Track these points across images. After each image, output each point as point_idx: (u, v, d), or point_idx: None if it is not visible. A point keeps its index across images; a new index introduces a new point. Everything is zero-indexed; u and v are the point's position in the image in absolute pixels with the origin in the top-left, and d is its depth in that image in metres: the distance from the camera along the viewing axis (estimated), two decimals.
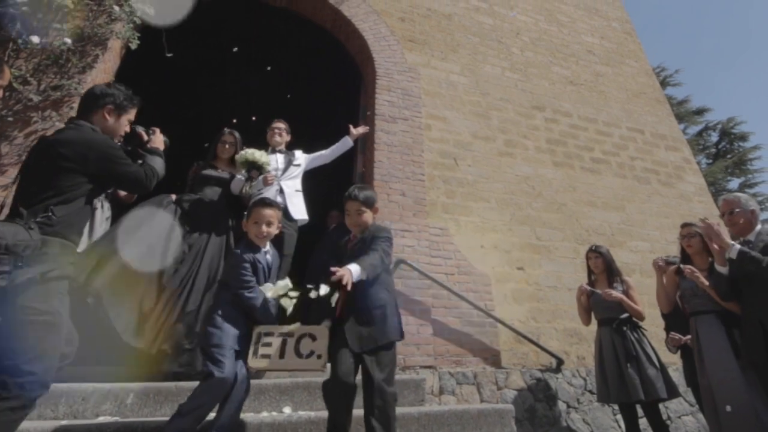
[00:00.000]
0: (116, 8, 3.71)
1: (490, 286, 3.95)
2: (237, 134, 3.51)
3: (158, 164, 1.98)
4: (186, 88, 6.74)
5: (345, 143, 3.69)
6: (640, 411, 3.23)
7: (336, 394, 1.89)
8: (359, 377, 1.95)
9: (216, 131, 3.61)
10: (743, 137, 13.97)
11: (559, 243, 4.44)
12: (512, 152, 4.84)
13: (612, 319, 3.26)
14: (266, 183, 3.23)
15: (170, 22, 4.15)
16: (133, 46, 3.81)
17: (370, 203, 2.23)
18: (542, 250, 4.34)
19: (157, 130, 2.14)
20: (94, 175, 1.71)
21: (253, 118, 4.78)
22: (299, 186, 3.51)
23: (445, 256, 3.93)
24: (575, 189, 4.87)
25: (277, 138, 3.61)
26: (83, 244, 2.74)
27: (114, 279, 2.55)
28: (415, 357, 3.40)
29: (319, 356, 1.84)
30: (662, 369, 3.10)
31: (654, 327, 3.77)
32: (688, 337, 3.03)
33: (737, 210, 2.69)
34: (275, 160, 3.45)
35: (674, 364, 3.73)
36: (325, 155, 3.70)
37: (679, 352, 3.38)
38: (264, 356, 1.88)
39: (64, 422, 2.08)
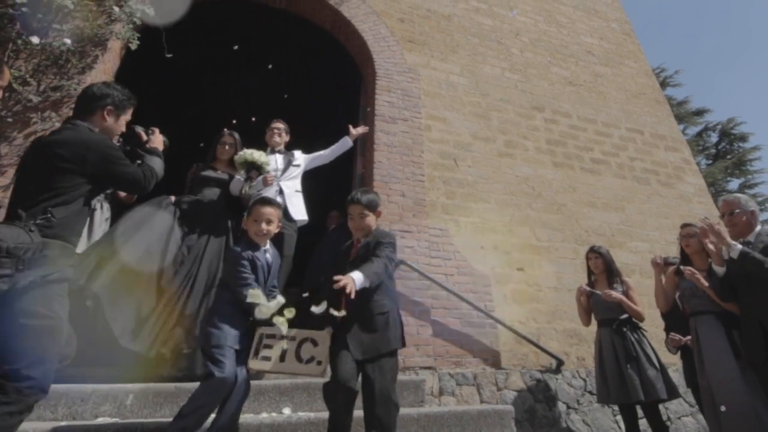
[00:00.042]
0: (116, 9, 3.71)
1: (490, 286, 3.95)
2: (236, 135, 3.50)
3: (157, 165, 1.96)
4: (186, 89, 6.74)
5: (344, 143, 3.69)
6: (640, 412, 3.23)
7: (337, 398, 1.88)
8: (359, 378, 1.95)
9: (215, 131, 3.61)
10: (743, 138, 13.98)
11: (559, 244, 4.44)
12: (512, 153, 4.84)
13: (612, 320, 3.26)
14: (266, 183, 3.23)
15: (169, 22, 4.15)
16: (133, 46, 3.81)
17: (373, 207, 2.22)
18: (542, 251, 4.34)
19: (157, 131, 2.13)
20: (92, 175, 1.69)
21: (253, 119, 4.78)
22: (299, 186, 3.51)
23: (445, 256, 3.93)
24: (575, 190, 4.87)
25: (277, 138, 3.60)
26: (82, 245, 2.74)
27: (113, 281, 2.53)
28: (414, 358, 3.39)
29: (319, 362, 1.82)
30: (662, 370, 3.10)
31: (654, 328, 3.77)
32: (688, 337, 3.03)
33: (737, 211, 2.69)
34: (274, 161, 3.45)
35: (674, 364, 3.73)
36: (324, 155, 3.70)
37: (679, 353, 3.38)
38: (265, 358, 1.87)
39: (63, 423, 2.08)
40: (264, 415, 2.33)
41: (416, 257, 3.78)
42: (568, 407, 3.59)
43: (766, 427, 2.40)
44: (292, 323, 2.00)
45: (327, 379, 1.94)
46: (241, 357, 1.97)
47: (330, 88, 6.63)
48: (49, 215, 1.56)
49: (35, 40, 3.27)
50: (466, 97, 5.01)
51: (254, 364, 1.88)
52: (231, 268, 2.11)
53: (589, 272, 3.58)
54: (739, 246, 2.50)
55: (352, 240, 2.28)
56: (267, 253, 2.21)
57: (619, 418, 3.53)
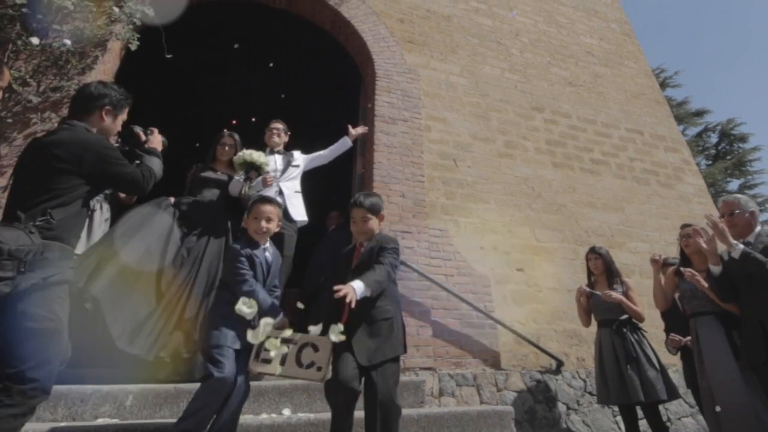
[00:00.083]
0: (116, 9, 3.71)
1: (490, 287, 3.94)
2: (236, 136, 3.50)
3: (156, 165, 1.94)
4: (186, 89, 6.73)
5: (344, 143, 3.69)
6: (640, 412, 3.23)
7: (338, 398, 1.88)
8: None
9: (215, 132, 3.60)
10: (743, 138, 13.98)
11: (559, 244, 4.44)
12: (512, 153, 4.84)
13: (612, 321, 3.26)
14: (265, 184, 3.23)
15: (169, 21, 4.14)
16: (133, 47, 3.81)
17: (376, 210, 2.19)
18: (542, 252, 4.33)
19: (155, 131, 2.12)
20: (89, 176, 1.68)
21: (253, 119, 4.78)
22: (298, 187, 3.51)
23: (445, 257, 3.93)
24: (575, 190, 4.87)
25: (276, 139, 3.60)
26: (81, 246, 2.74)
27: (112, 283, 2.53)
28: (414, 358, 3.39)
29: (319, 368, 1.80)
30: (662, 370, 3.10)
31: (654, 328, 3.77)
32: (688, 338, 3.03)
33: (737, 211, 2.69)
34: (274, 161, 3.44)
35: (674, 365, 3.73)
36: (323, 156, 3.70)
37: (679, 354, 3.38)
38: (265, 361, 1.86)
39: (62, 424, 2.08)
40: (264, 416, 2.33)
41: (416, 258, 3.77)
42: (568, 408, 3.59)
43: (766, 428, 2.39)
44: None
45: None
46: (242, 357, 1.97)
47: (330, 89, 6.63)
48: (49, 217, 1.55)
49: (35, 40, 3.27)
50: (465, 97, 5.02)
51: (254, 366, 1.87)
52: (229, 265, 2.11)
53: (589, 273, 3.57)
54: (741, 246, 2.50)
55: (355, 243, 2.27)
56: (266, 251, 2.21)
57: (619, 418, 3.53)
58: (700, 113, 14.56)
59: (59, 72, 3.45)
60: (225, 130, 3.54)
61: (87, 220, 2.51)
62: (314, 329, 1.89)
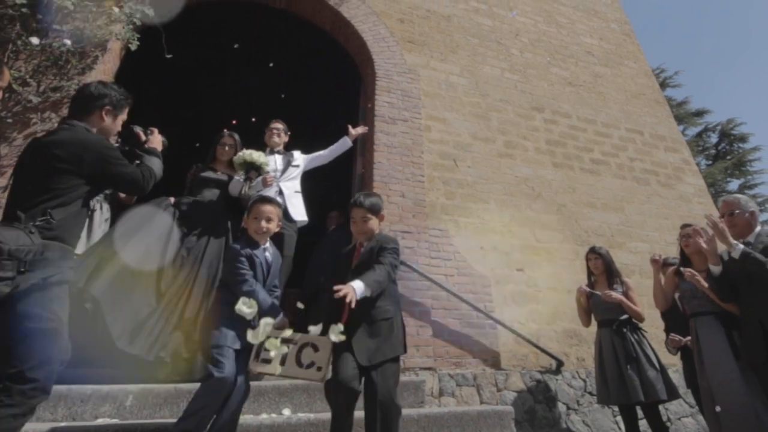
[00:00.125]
0: (116, 10, 3.71)
1: (490, 287, 3.94)
2: (236, 136, 3.50)
3: (156, 165, 1.94)
4: (186, 89, 6.73)
5: (344, 143, 3.69)
6: (640, 412, 3.23)
7: (338, 398, 1.88)
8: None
9: (216, 132, 3.60)
10: (743, 138, 13.98)
11: (559, 244, 4.44)
12: (512, 153, 4.84)
13: (612, 321, 3.26)
14: (265, 184, 3.23)
15: (168, 19, 4.14)
16: (133, 47, 3.80)
17: (376, 210, 2.18)
18: (542, 252, 4.33)
19: (155, 131, 2.12)
20: (89, 176, 1.68)
21: (253, 119, 4.78)
22: (298, 187, 3.51)
23: (445, 257, 3.93)
24: (575, 190, 4.87)
25: (276, 139, 3.60)
26: (81, 246, 2.74)
27: (112, 283, 2.53)
28: (414, 358, 3.39)
29: (319, 368, 1.80)
30: (662, 370, 3.10)
31: (654, 328, 3.77)
32: (688, 338, 3.03)
33: (737, 211, 2.69)
34: (273, 161, 3.44)
35: (674, 365, 3.73)
36: (323, 155, 3.70)
37: (679, 354, 3.38)
38: (265, 361, 1.86)
39: (62, 424, 2.08)
40: (264, 416, 2.33)
41: (416, 258, 3.77)
42: (568, 408, 3.59)
43: (766, 428, 2.39)
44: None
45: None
46: (242, 357, 1.97)
47: (330, 89, 6.63)
48: (49, 217, 1.55)
49: (35, 40, 3.27)
50: (465, 97, 5.02)
51: (254, 366, 1.87)
52: (229, 265, 2.11)
53: (589, 273, 3.57)
54: (741, 246, 2.49)
55: (355, 244, 2.27)
56: (266, 251, 2.21)
57: (619, 418, 3.53)
58: (700, 113, 14.56)
59: (59, 72, 3.46)
60: (225, 130, 3.54)
61: (87, 220, 2.51)
62: (314, 329, 1.89)
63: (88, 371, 2.48)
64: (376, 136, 4.30)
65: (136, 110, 2.12)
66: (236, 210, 3.16)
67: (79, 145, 1.67)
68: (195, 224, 2.99)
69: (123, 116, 1.95)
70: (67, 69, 3.47)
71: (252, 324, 1.92)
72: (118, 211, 3.19)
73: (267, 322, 1.87)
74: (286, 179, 3.43)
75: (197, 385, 1.95)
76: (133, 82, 3.26)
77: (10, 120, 3.17)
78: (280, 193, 3.32)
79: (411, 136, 4.46)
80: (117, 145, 2.07)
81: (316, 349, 1.85)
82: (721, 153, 14.11)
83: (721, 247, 2.62)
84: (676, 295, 3.15)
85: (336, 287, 1.81)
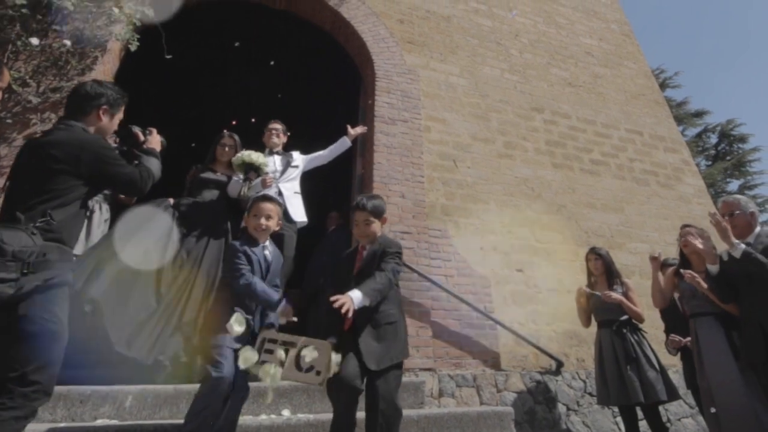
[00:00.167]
0: (115, 10, 3.70)
1: (490, 288, 3.94)
2: (236, 137, 3.50)
3: (154, 165, 1.93)
4: (185, 89, 6.73)
5: (343, 143, 3.69)
6: (640, 413, 3.22)
7: (340, 396, 1.87)
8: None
9: (215, 132, 3.60)
10: (742, 139, 14.00)
11: (559, 245, 4.44)
12: (511, 154, 4.84)
13: (612, 321, 3.26)
14: (264, 185, 3.22)
15: (167, 18, 4.13)
16: (133, 47, 3.80)
17: (378, 213, 2.16)
18: (542, 252, 4.33)
19: (154, 131, 2.11)
20: (87, 176, 1.66)
21: (253, 120, 4.78)
22: (298, 188, 3.51)
23: (445, 258, 3.93)
24: (574, 191, 4.87)
25: (275, 139, 3.59)
26: (80, 247, 2.73)
27: (111, 285, 2.52)
28: (414, 359, 3.39)
29: (318, 372, 1.78)
30: (662, 371, 3.10)
31: (654, 329, 3.77)
32: (688, 339, 3.03)
33: (737, 212, 2.69)
34: (273, 162, 3.44)
35: (674, 366, 3.73)
36: (323, 156, 3.69)
37: (679, 354, 3.38)
38: (264, 362, 1.85)
39: (62, 425, 2.07)
40: (263, 416, 2.32)
41: (416, 258, 3.77)
42: (568, 409, 3.59)
43: (766, 428, 2.39)
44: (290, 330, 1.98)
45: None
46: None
47: (330, 89, 6.63)
48: (49, 218, 1.54)
49: (35, 41, 3.27)
50: (465, 98, 5.02)
51: (254, 367, 1.87)
52: (227, 260, 2.11)
53: (589, 273, 3.57)
54: (743, 246, 2.49)
55: (356, 246, 2.25)
56: (266, 249, 2.20)
57: (619, 419, 3.52)
58: (699, 114, 14.57)
59: (59, 73, 3.45)
60: (225, 131, 3.54)
61: (86, 221, 2.51)
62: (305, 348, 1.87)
63: (87, 372, 2.48)
64: (376, 137, 4.30)
65: (135, 111, 2.12)
66: (236, 211, 3.15)
67: (77, 145, 1.66)
68: (194, 225, 2.99)
69: (120, 115, 1.93)
70: (66, 70, 3.47)
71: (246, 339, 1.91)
72: (117, 211, 3.19)
73: (248, 357, 1.82)
74: (285, 180, 3.43)
75: (197, 386, 1.95)
76: (133, 83, 3.26)
77: (9, 120, 3.17)
78: (280, 194, 3.31)
79: (411, 136, 4.46)
80: (115, 145, 2.06)
81: (315, 352, 1.84)
82: (721, 154, 14.12)
83: (722, 247, 2.62)
84: (676, 296, 3.15)
85: (333, 298, 1.80)
